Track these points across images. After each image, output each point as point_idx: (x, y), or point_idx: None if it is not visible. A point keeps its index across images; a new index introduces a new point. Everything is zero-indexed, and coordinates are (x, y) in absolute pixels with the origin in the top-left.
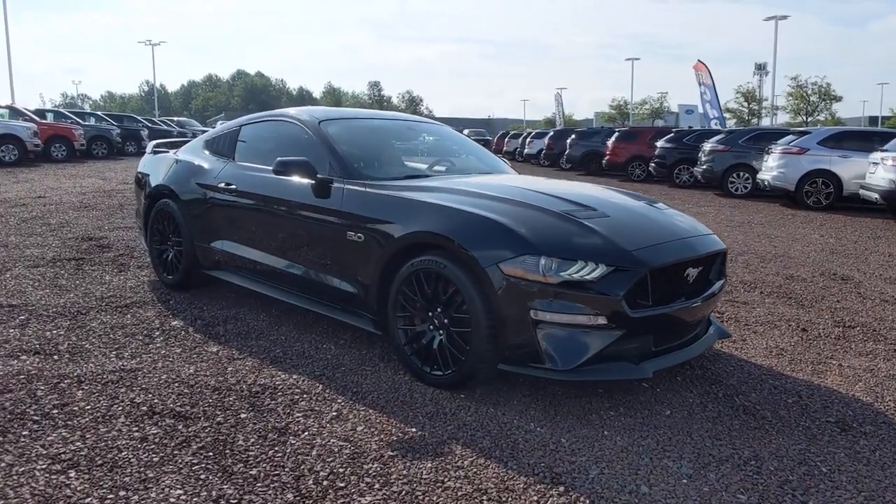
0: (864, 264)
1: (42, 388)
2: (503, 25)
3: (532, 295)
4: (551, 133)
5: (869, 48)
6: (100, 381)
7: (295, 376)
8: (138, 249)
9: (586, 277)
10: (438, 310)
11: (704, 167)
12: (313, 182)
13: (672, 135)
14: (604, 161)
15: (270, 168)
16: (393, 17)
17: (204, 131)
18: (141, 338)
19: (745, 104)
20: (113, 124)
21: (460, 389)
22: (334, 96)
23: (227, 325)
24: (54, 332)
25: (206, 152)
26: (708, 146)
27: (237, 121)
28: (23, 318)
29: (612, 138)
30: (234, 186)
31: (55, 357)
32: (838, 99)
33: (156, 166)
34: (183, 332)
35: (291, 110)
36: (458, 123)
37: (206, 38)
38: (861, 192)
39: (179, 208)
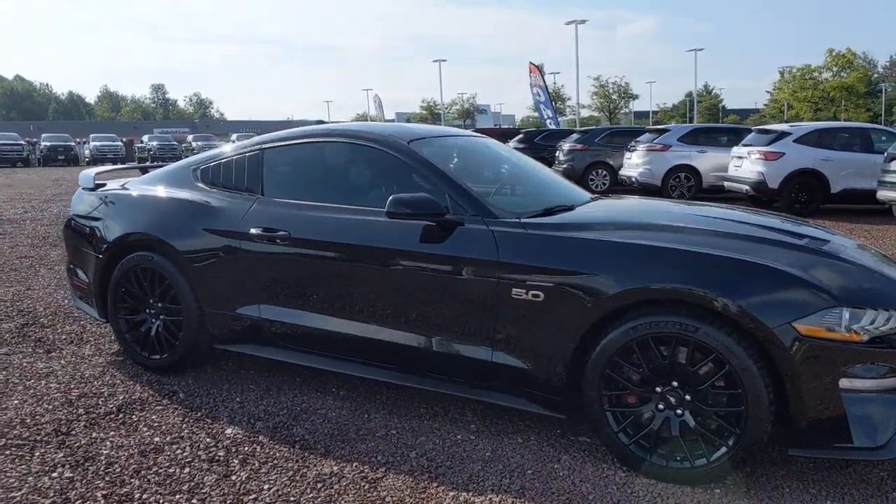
0: None
1: None
2: (285, 27)
3: (839, 357)
4: None
5: (619, 51)
6: None
7: (466, 495)
8: (46, 314)
9: (885, 328)
10: (673, 384)
11: (565, 166)
12: (432, 224)
13: (522, 135)
14: None
15: (337, 206)
16: (167, 18)
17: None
18: (206, 466)
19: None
20: None
21: (715, 484)
22: (112, 101)
23: (305, 423)
24: None
25: (203, 185)
26: (567, 146)
27: (246, 143)
28: None
29: None
30: (283, 233)
31: None
32: (636, 97)
33: (114, 207)
34: (258, 448)
35: (346, 128)
36: (256, 127)
37: None
38: (727, 184)
39: (176, 264)
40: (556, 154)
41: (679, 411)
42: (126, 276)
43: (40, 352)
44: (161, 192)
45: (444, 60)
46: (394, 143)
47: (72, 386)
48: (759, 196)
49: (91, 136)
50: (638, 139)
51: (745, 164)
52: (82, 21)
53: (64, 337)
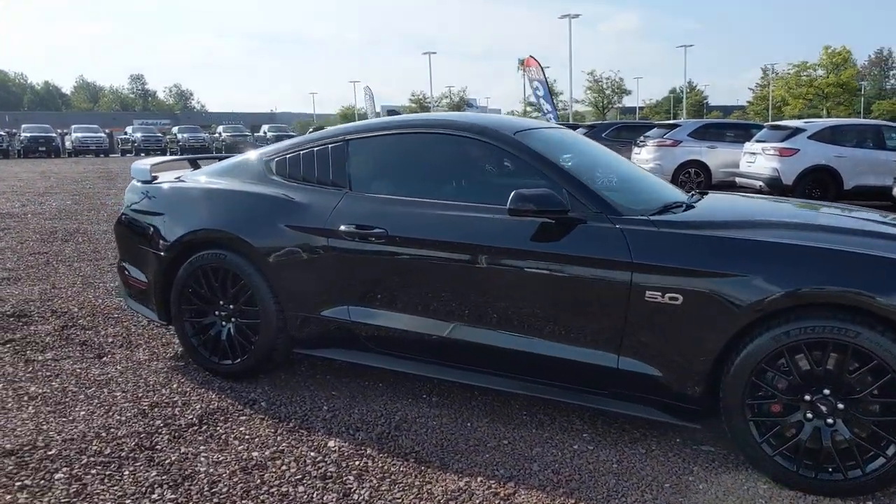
0: None
1: None
2: (264, 19)
3: None
4: None
5: (603, 47)
6: None
7: None
8: (83, 314)
9: None
10: (824, 392)
11: None
12: (549, 221)
13: None
14: None
15: (440, 201)
16: (151, 6)
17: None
18: (321, 483)
19: (534, 98)
20: None
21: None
22: (89, 91)
23: (408, 433)
24: None
25: (280, 178)
26: None
27: (326, 133)
28: None
29: None
30: (379, 230)
31: None
32: (629, 93)
33: (178, 202)
34: (370, 462)
35: (444, 118)
36: (239, 119)
37: None
38: (738, 180)
39: (254, 263)
40: None
41: (830, 420)
42: (193, 275)
43: (90, 356)
44: (232, 185)
45: (434, 53)
46: (500, 134)
47: (139, 394)
48: (773, 192)
49: (73, 126)
50: (647, 134)
51: (758, 159)
52: (55, 9)
53: (110, 340)
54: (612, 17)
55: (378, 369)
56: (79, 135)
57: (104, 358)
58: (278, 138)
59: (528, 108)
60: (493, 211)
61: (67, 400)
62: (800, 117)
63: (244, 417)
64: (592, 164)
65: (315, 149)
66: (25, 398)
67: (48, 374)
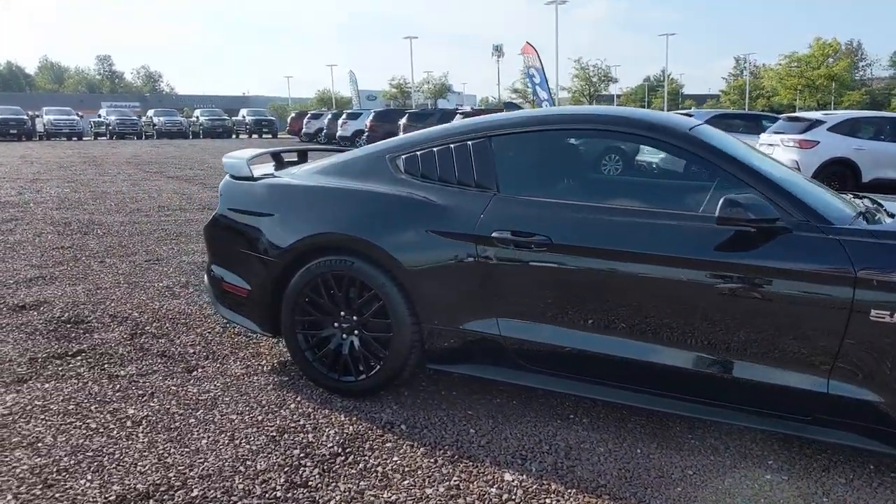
0: None
1: None
2: (231, 4)
3: None
4: (373, 113)
5: (577, 34)
6: None
7: None
8: (146, 320)
9: None
10: None
11: None
12: (750, 230)
13: None
14: None
15: (614, 206)
16: None
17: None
18: None
19: (532, 85)
20: None
21: None
22: (54, 72)
23: (583, 463)
24: None
25: (409, 177)
26: None
27: (462, 129)
28: None
29: (455, 120)
30: (541, 237)
31: None
32: (616, 80)
33: (291, 202)
34: (561, 500)
35: (603, 113)
36: (211, 102)
37: None
38: None
39: (388, 271)
40: None
41: None
42: (311, 283)
43: (178, 370)
44: (356, 185)
45: (416, 38)
46: (674, 130)
47: (258, 417)
48: None
49: (44, 109)
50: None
51: (776, 152)
52: None
53: (190, 350)
54: (585, 5)
55: (506, 384)
56: (51, 117)
57: (194, 372)
58: (257, 123)
59: (513, 95)
60: (675, 217)
61: (178, 425)
62: (792, 107)
63: (389, 444)
64: (765, 165)
65: (452, 146)
66: (129, 423)
67: (141, 392)
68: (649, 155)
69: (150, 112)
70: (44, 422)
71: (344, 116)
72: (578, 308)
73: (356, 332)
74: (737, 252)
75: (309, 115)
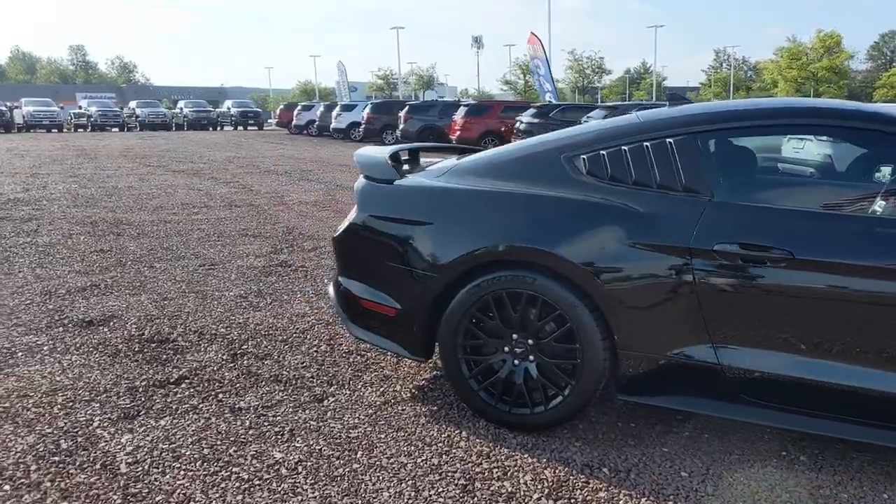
0: None
1: None
2: None
3: None
4: (370, 105)
5: (555, 25)
6: None
7: None
8: (241, 338)
9: None
10: None
11: None
12: None
13: (535, 110)
14: (453, 137)
15: (874, 216)
16: None
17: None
18: None
19: (522, 77)
20: None
21: None
22: (25, 63)
23: None
24: None
25: (593, 180)
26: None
27: (655, 123)
28: None
29: (461, 112)
30: (780, 252)
31: None
32: (609, 73)
33: (452, 209)
34: None
35: (842, 106)
36: (189, 93)
37: None
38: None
39: (579, 289)
40: None
41: None
42: (481, 302)
43: (305, 400)
44: (530, 189)
45: (403, 28)
46: None
47: (433, 461)
48: None
49: (23, 100)
50: None
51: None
52: None
53: (306, 374)
54: None
55: (720, 419)
56: (31, 108)
57: (325, 402)
58: (242, 114)
59: (504, 87)
60: None
61: (343, 472)
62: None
63: (603, 494)
64: None
65: (647, 143)
66: (284, 472)
67: (277, 430)
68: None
69: (133, 103)
70: (182, 472)
71: (338, 108)
72: (823, 334)
73: (531, 357)
74: None
75: (300, 106)
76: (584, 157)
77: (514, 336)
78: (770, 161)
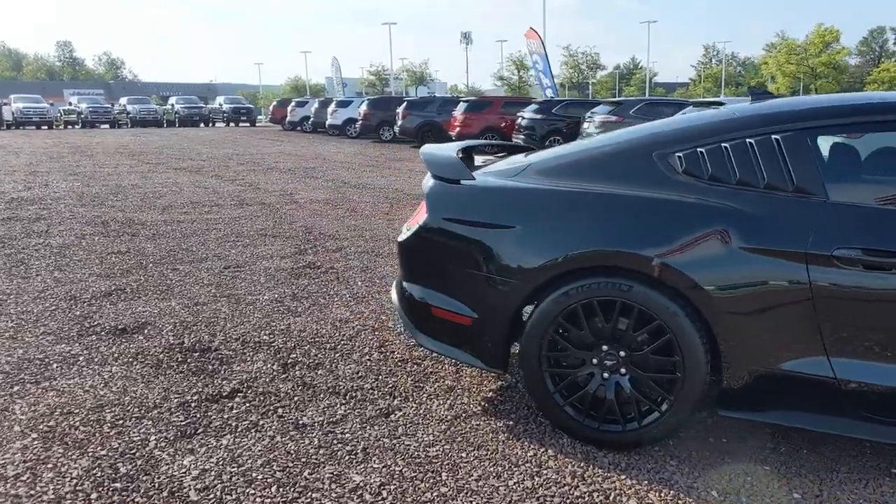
0: None
1: None
2: None
3: None
4: (366, 101)
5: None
6: None
7: None
8: (286, 346)
9: None
10: None
11: None
12: None
13: (538, 105)
14: (453, 133)
15: None
16: None
17: None
18: None
19: (517, 72)
20: None
21: None
22: (11, 59)
23: None
24: None
25: (692, 180)
26: (599, 117)
27: (759, 118)
28: None
29: (461, 108)
30: None
31: None
32: (604, 68)
33: (535, 212)
34: None
35: None
36: (177, 89)
37: None
38: None
39: (681, 297)
40: (585, 126)
41: None
42: (569, 311)
43: (371, 414)
44: (621, 190)
45: (395, 23)
46: None
47: (528, 484)
48: None
49: (12, 96)
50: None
51: None
52: None
53: (365, 385)
54: None
55: (834, 436)
56: (20, 105)
57: (393, 416)
58: (235, 111)
59: (498, 83)
60: None
61: (431, 497)
62: (794, 93)
63: None
64: None
65: (750, 140)
66: (366, 496)
67: (349, 449)
68: None
69: (123, 100)
70: (259, 499)
71: (334, 104)
72: None
73: (623, 370)
74: None
75: (293, 102)
76: (679, 154)
77: (605, 348)
78: (885, 159)
